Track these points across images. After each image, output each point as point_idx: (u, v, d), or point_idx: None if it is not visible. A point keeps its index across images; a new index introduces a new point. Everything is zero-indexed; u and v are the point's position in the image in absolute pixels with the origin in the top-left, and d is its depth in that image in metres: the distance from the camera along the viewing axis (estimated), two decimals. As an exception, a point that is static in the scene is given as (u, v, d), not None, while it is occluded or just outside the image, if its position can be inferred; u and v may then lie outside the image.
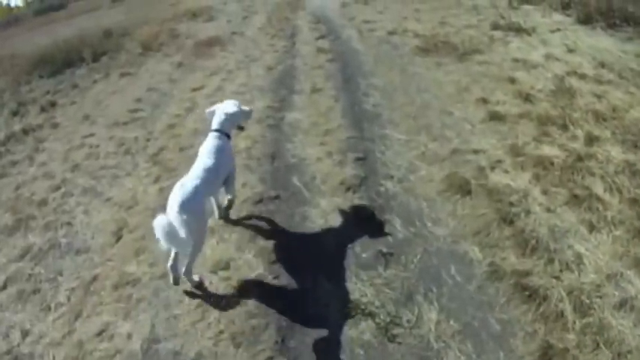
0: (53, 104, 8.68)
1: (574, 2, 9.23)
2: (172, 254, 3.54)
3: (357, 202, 4.40)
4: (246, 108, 4.28)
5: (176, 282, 3.63)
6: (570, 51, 7.07)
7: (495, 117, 5.39)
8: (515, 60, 7.04)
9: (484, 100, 5.85)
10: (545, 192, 4.15)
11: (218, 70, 8.62)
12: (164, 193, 4.81)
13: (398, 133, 5.47)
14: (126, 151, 6.30)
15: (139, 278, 3.95)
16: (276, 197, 4.67)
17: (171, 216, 3.30)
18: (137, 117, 7.29)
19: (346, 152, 5.19)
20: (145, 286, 3.86)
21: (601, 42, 7.27)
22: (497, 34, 8.27)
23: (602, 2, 8.27)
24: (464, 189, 4.31)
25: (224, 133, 3.99)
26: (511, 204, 4.05)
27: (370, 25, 9.97)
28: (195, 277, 3.67)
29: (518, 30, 8.18)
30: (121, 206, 5.02)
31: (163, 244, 3.29)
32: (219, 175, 3.88)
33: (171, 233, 3.22)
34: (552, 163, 4.43)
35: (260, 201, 4.63)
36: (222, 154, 3.87)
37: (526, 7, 9.83)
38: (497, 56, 7.30)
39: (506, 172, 4.47)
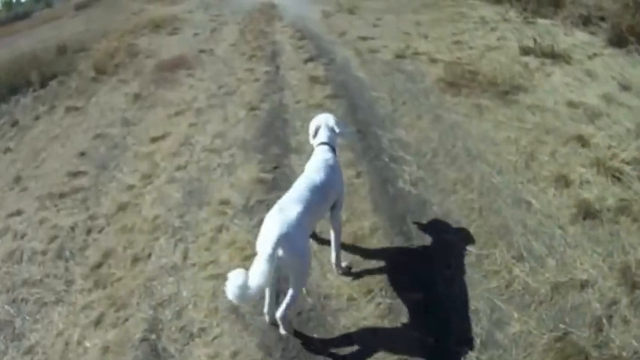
0: (-15, 151, 6.14)
1: (594, 17, 7.40)
2: (268, 296, 2.68)
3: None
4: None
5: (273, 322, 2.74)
6: (624, 88, 5.21)
7: (588, 213, 3.42)
8: (572, 104, 4.98)
9: (565, 180, 3.78)
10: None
11: (184, 108, 6.16)
12: (108, 356, 2.92)
13: (463, 240, 3.33)
14: (58, 251, 3.96)
15: None
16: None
17: (264, 254, 2.26)
18: (77, 186, 4.84)
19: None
20: None
21: (648, 74, 5.38)
22: (531, 60, 6.17)
23: (637, 20, 6.38)
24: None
25: (332, 147, 3.12)
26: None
27: (368, 43, 7.61)
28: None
29: (554, 56, 6.14)
30: (45, 368, 2.84)
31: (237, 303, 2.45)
32: (328, 198, 2.89)
33: (246, 295, 2.25)
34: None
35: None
36: (332, 170, 2.96)
37: (541, 21, 7.77)
38: (546, 97, 5.20)
39: (626, 321, 2.64)
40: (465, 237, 3.36)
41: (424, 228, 3.51)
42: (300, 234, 2.48)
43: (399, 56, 6.78)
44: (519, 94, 5.31)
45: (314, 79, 6.30)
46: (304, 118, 5.29)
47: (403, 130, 4.85)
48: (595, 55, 6.28)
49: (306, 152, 4.53)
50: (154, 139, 5.42)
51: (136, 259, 3.66)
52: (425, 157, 4.38)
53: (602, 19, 7.46)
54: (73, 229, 4.19)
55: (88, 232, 4.11)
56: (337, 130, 3.16)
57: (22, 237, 4.27)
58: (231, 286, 2.25)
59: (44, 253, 3.99)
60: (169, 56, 8.68)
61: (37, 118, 6.90)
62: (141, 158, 5.08)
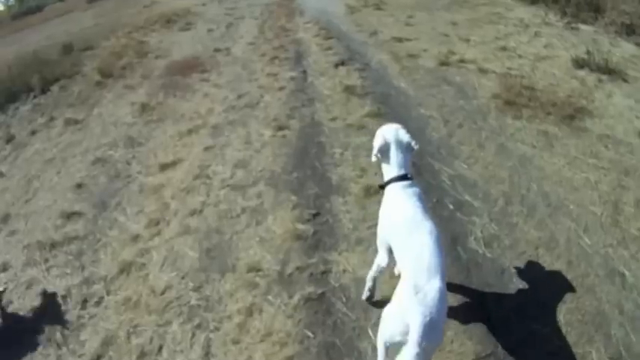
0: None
1: (637, 26, 6.43)
2: None
3: None
4: None
5: None
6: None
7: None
8: (642, 134, 4.01)
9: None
10: None
11: (199, 124, 5.11)
12: None
13: (554, 331, 2.47)
14: (49, 334, 2.96)
15: None
16: None
17: (411, 356, 1.72)
18: (72, 234, 3.83)
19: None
20: None
21: None
22: (587, 76, 5.11)
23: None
24: None
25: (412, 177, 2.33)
26: None
27: (404, 45, 6.45)
28: None
29: (609, 71, 5.12)
30: None
31: None
32: None
33: None
34: None
35: None
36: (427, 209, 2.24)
37: (583, 27, 6.70)
38: (614, 124, 4.22)
39: None
40: (556, 326, 2.48)
41: (506, 311, 2.59)
42: (442, 316, 1.90)
43: (444, 63, 5.65)
44: (585, 119, 4.32)
45: (349, 90, 5.18)
46: (344, 142, 4.22)
47: (464, 163, 3.82)
48: (648, 71, 5.31)
49: (352, 194, 3.47)
50: (163, 167, 4.38)
51: (143, 355, 2.66)
52: (496, 204, 3.39)
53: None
54: (65, 298, 3.18)
55: (84, 303, 3.13)
56: (415, 147, 2.38)
57: (7, 305, 3.28)
58: None
59: (33, 334, 3.04)
60: (181, 56, 7.59)
61: (33, 132, 5.86)
62: (147, 194, 4.03)
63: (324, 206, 3.50)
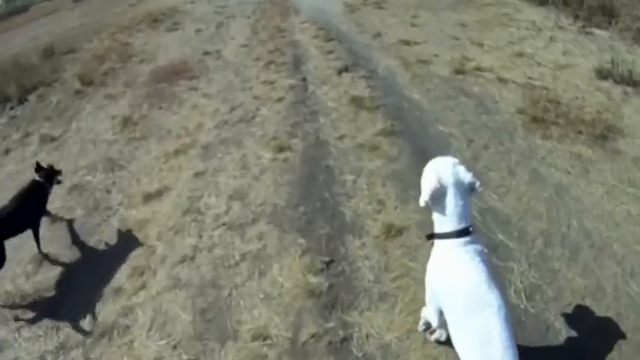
0: None
1: None
2: None
3: None
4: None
5: None
6: None
7: None
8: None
9: None
10: None
11: (187, 144, 4.59)
12: None
13: None
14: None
15: None
16: None
17: None
18: (44, 283, 3.33)
19: None
20: None
21: None
22: (612, 88, 4.58)
23: None
24: None
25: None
26: None
27: (413, 50, 5.91)
28: None
29: (634, 84, 4.62)
30: None
31: None
32: None
33: None
34: None
35: None
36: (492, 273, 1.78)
37: (598, 32, 6.11)
38: None
39: None
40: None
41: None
42: None
43: (459, 71, 5.13)
44: (618, 139, 3.83)
45: (357, 102, 4.65)
46: (355, 167, 3.71)
47: (494, 193, 3.34)
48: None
49: (369, 234, 2.98)
50: (147, 198, 3.85)
51: None
52: (534, 245, 2.91)
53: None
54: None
55: (60, 376, 2.56)
56: (479, 189, 1.85)
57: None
58: None
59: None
60: (167, 61, 7.00)
61: (7, 151, 5.28)
62: (129, 234, 3.46)
63: (338, 251, 3.00)
